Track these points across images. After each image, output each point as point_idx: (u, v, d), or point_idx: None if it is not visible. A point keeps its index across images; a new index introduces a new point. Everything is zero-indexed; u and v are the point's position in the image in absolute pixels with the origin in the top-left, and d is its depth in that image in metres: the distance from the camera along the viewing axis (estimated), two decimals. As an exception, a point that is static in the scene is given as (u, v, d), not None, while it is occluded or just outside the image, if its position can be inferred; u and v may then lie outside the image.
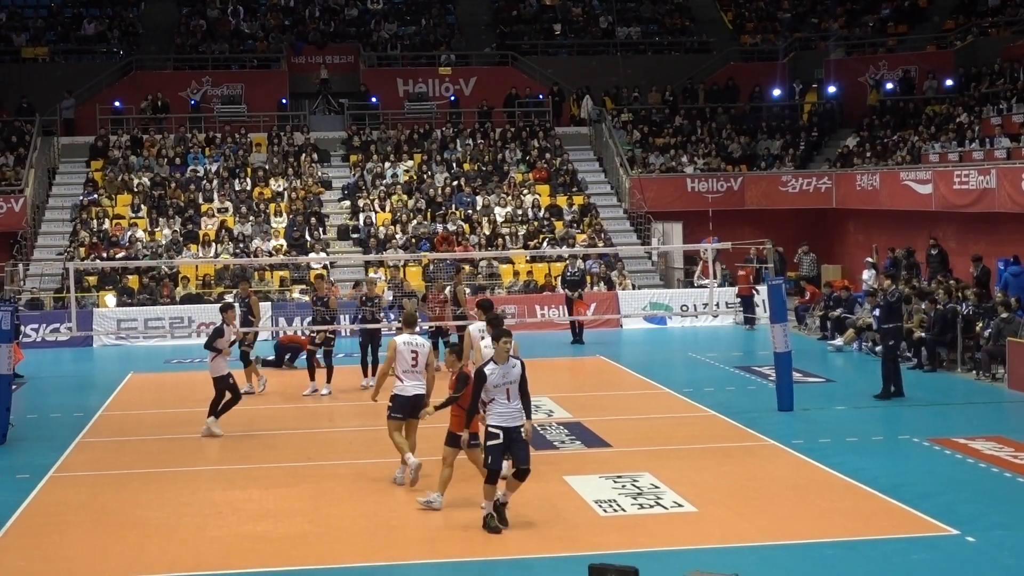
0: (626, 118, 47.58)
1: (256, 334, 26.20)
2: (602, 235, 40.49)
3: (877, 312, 25.81)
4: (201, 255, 38.27)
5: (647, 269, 41.22)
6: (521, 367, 15.24)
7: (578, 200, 42.98)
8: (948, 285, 29.86)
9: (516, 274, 39.03)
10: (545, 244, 39.65)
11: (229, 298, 36.56)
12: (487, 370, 15.10)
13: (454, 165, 44.87)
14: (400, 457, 17.57)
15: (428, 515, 16.00)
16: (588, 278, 37.39)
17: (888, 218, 39.91)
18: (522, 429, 15.14)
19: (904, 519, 15.42)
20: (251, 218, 40.68)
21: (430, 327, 27.34)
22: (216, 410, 21.46)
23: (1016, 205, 32.26)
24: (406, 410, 17.37)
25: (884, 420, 22.21)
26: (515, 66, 49.27)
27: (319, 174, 44.18)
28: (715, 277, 33.94)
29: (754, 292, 36.13)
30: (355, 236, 40.86)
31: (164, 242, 39.02)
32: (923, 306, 28.49)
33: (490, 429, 15.07)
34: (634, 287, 38.62)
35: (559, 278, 37.38)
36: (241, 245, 38.84)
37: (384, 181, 43.46)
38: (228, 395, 21.46)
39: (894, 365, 24.11)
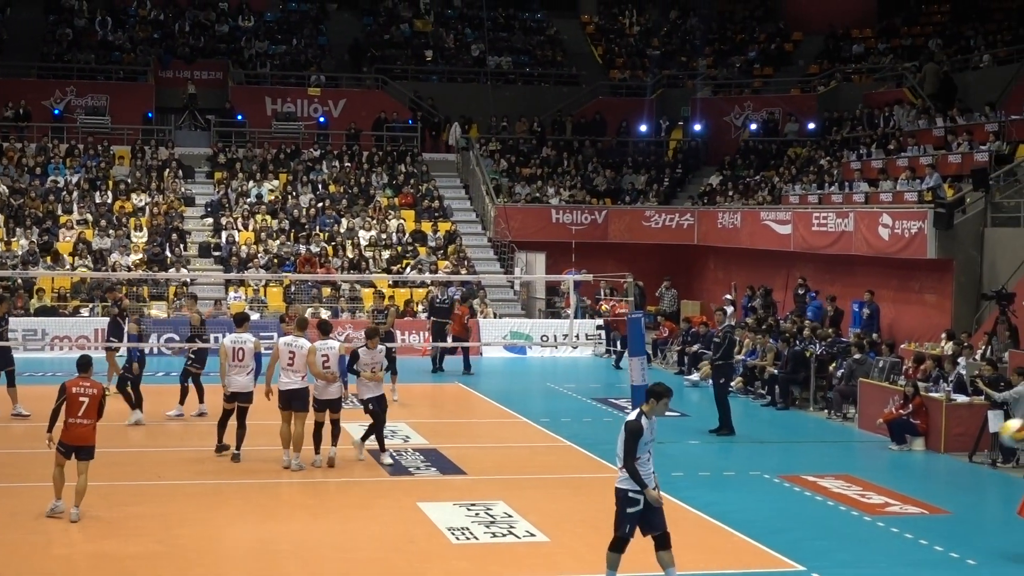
0: (493, 147, 47.74)
1: None
2: (465, 262, 40.54)
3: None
4: (58, 267, 37.61)
5: (509, 298, 41.32)
6: None
7: (443, 226, 43.01)
8: (800, 325, 30.41)
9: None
10: (408, 269, 39.60)
11: (103, 311, 36.05)
12: (643, 423, 13.35)
13: (320, 186, 44.66)
14: (285, 444, 20.02)
15: (275, 539, 15.86)
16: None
17: (748, 256, 40.44)
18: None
19: (752, 554, 15.62)
20: (111, 232, 40.08)
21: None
22: (368, 435, 20.65)
23: (871, 248, 32.89)
24: (283, 403, 19.75)
25: (736, 456, 22.48)
26: (385, 90, 49.20)
27: (182, 190, 43.69)
28: (572, 307, 34.14)
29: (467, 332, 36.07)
30: (216, 254, 40.44)
31: (20, 252, 38.25)
32: (776, 344, 28.99)
33: (631, 495, 13.33)
34: (495, 315, 38.71)
35: (422, 304, 37.40)
36: (100, 259, 38.24)
37: (248, 200, 43.09)
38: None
39: (723, 401, 24.41)
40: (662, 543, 13.43)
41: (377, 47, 51.34)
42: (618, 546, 13.47)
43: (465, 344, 33.80)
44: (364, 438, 20.82)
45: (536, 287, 41.15)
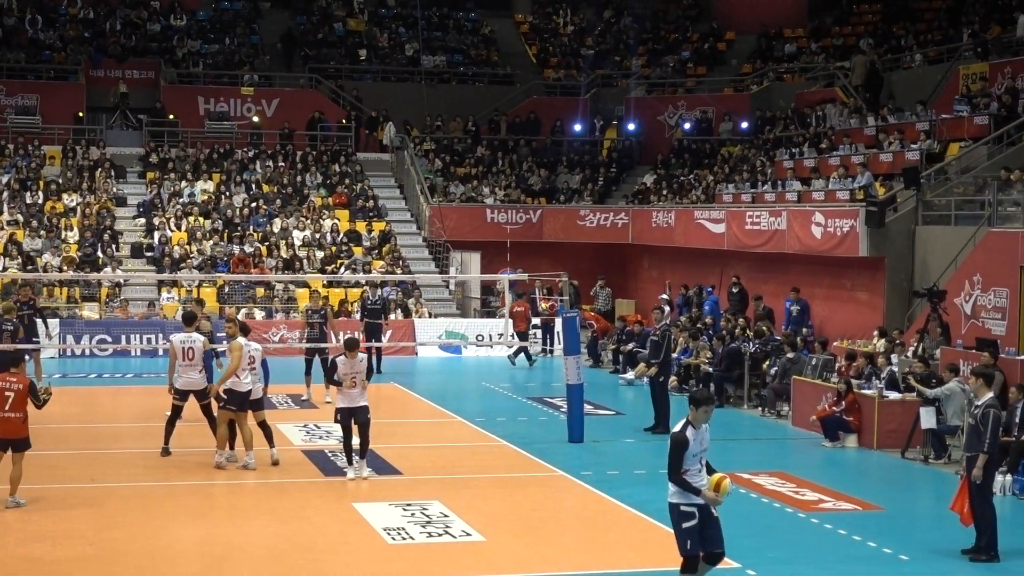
0: (428, 146, 47.65)
1: None
2: (400, 262, 40.45)
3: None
4: (-6, 267, 37.24)
5: (444, 298, 41.28)
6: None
7: (378, 226, 42.88)
8: (734, 323, 30.60)
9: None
10: (343, 269, 39.45)
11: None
12: (688, 435, 12.75)
13: (253, 186, 44.41)
14: (221, 444, 20.06)
15: (209, 542, 15.76)
16: (390, 305, 37.23)
17: (682, 255, 40.58)
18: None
19: (687, 552, 15.64)
20: (42, 232, 39.68)
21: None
22: (363, 446, 19.88)
23: (804, 247, 33.08)
24: (238, 403, 19.79)
25: (671, 454, 22.51)
26: (319, 90, 49.01)
27: (114, 190, 43.32)
28: (507, 307, 34.15)
29: (529, 327, 36.11)
30: (149, 255, 40.14)
31: (-51, 254, 37.84)
32: (709, 341, 29.14)
33: (683, 508, 12.82)
34: (431, 315, 38.65)
35: (356, 304, 37.27)
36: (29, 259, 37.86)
37: (181, 200, 42.78)
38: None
39: (660, 399, 24.45)
40: (713, 560, 13.18)
41: (311, 46, 51.11)
42: (688, 567, 12.96)
43: (525, 344, 34.84)
44: (361, 453, 19.89)
45: (471, 287, 41.15)
